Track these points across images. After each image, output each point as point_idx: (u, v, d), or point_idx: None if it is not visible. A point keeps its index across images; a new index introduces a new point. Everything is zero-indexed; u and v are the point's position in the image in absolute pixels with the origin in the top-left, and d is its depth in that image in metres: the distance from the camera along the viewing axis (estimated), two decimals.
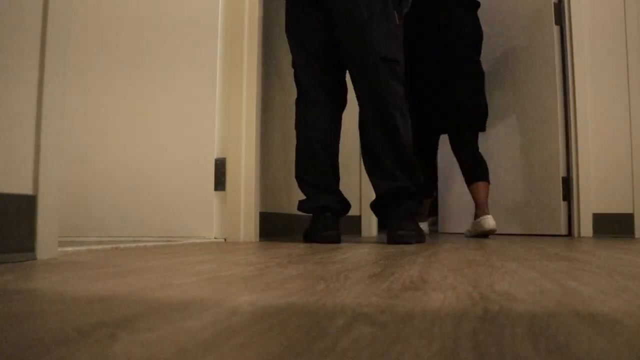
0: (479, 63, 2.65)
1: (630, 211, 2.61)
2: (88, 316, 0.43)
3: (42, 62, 1.01)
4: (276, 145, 2.44)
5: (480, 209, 2.49)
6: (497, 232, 3.13)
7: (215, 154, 1.94)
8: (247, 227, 1.91)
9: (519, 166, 3.04)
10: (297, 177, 1.93)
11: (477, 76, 2.63)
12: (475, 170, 2.54)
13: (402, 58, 1.84)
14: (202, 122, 1.96)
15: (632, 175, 2.62)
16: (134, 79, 2.02)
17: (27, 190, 0.97)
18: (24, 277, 0.70)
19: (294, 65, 1.94)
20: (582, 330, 0.38)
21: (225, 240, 1.90)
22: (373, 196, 2.09)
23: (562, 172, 2.79)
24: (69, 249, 1.20)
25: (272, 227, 2.30)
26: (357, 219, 2.92)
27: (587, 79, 2.73)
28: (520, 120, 3.05)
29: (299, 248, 1.46)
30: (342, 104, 1.97)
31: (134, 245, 1.43)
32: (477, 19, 2.67)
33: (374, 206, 1.88)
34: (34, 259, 0.97)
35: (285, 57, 2.52)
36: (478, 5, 2.69)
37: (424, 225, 3.03)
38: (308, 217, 2.70)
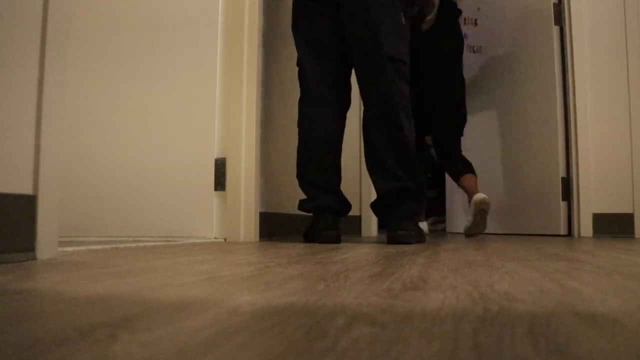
0: (459, 71, 2.69)
1: (630, 211, 2.61)
2: (88, 316, 0.43)
3: (42, 62, 1.01)
4: (276, 145, 2.44)
5: (471, 195, 2.52)
6: (497, 233, 3.12)
7: (215, 154, 1.94)
8: (247, 227, 1.91)
9: (518, 166, 3.04)
10: (298, 176, 1.93)
11: (456, 84, 2.67)
12: (461, 167, 2.59)
13: (407, 58, 1.84)
14: (202, 122, 1.96)
15: (632, 175, 2.62)
16: (134, 79, 2.02)
17: (27, 190, 0.97)
18: (24, 277, 0.70)
19: (299, 63, 1.93)
20: (582, 330, 0.38)
21: (225, 240, 1.90)
22: (373, 196, 2.09)
23: (561, 172, 2.79)
24: (69, 249, 1.20)
25: (272, 227, 2.30)
26: (357, 219, 2.92)
27: (587, 79, 2.73)
28: (520, 120, 3.05)
29: (299, 248, 1.46)
30: (347, 103, 1.96)
31: (134, 245, 1.43)
32: (458, 25, 2.70)
33: (375, 206, 1.88)
34: (34, 259, 0.97)
35: (285, 57, 2.52)
36: (460, 13, 2.72)
37: (424, 225, 3.03)
38: (308, 217, 2.70)
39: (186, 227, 1.93)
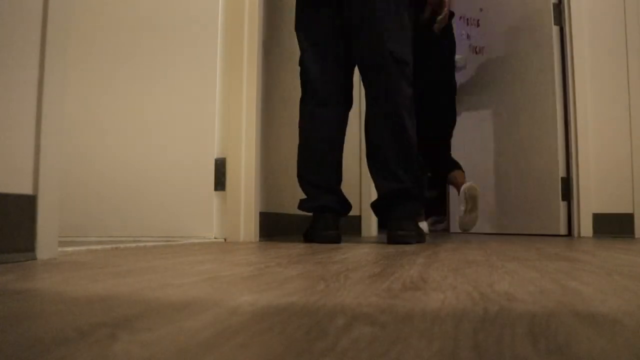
0: (451, 78, 2.75)
1: (630, 211, 2.61)
2: (88, 316, 0.43)
3: (42, 62, 1.01)
4: (276, 145, 2.44)
5: (459, 186, 2.59)
6: (497, 233, 3.12)
7: (215, 154, 1.94)
8: (247, 227, 1.91)
9: (518, 166, 3.04)
10: (299, 176, 1.92)
11: (447, 91, 2.74)
12: (451, 166, 2.68)
13: (411, 60, 1.84)
14: (202, 122, 1.96)
15: (632, 175, 2.62)
16: (134, 79, 2.02)
17: (27, 190, 0.97)
18: (24, 277, 0.70)
19: (301, 63, 1.92)
20: (582, 330, 0.38)
21: (225, 240, 1.90)
22: (373, 196, 2.08)
23: (561, 172, 2.79)
24: (69, 249, 1.20)
25: (272, 227, 2.30)
26: (357, 219, 2.92)
27: (587, 79, 2.73)
28: (520, 120, 3.05)
29: (299, 248, 1.46)
30: (349, 103, 1.95)
31: (134, 245, 1.43)
32: (451, 26, 2.73)
33: (375, 206, 1.88)
34: (34, 259, 0.97)
35: (285, 57, 2.52)
36: (452, 15, 2.75)
37: (424, 225, 3.03)
38: (308, 217, 2.70)
39: (186, 227, 1.93)
